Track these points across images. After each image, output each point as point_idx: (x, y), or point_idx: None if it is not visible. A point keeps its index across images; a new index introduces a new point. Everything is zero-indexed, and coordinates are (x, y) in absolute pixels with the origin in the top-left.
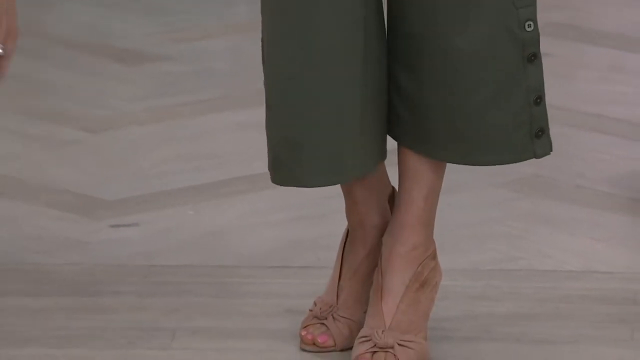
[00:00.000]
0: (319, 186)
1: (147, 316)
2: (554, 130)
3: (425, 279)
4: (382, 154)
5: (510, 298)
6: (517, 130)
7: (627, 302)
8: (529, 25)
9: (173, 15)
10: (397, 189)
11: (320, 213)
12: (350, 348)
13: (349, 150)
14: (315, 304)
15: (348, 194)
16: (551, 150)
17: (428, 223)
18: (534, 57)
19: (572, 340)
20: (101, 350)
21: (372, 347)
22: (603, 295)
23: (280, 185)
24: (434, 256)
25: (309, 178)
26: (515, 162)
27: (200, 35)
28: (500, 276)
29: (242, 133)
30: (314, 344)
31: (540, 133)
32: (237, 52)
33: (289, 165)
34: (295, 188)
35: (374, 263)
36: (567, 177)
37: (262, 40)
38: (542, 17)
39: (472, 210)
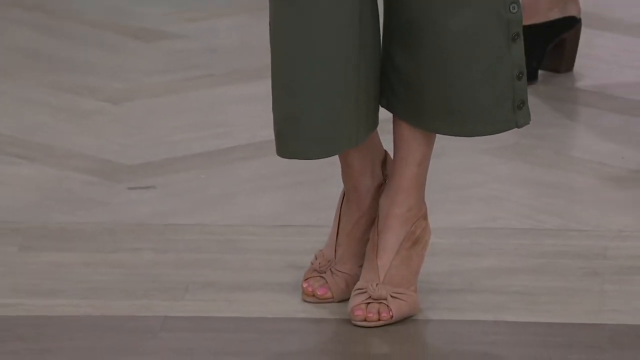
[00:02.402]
0: (316, 158)
1: (162, 270)
2: (537, 103)
3: (417, 238)
4: (374, 124)
5: (492, 254)
6: (503, 103)
7: (597, 257)
8: (514, 8)
9: None
10: (389, 154)
11: (320, 177)
12: (347, 299)
13: (343, 125)
14: (316, 257)
15: (344, 161)
16: (530, 120)
17: (420, 187)
18: (517, 37)
19: (549, 291)
20: (121, 301)
21: (367, 299)
22: (576, 251)
23: (284, 158)
24: (425, 216)
25: (308, 151)
26: (500, 132)
27: (211, 15)
28: (483, 234)
29: (248, 104)
30: (313, 295)
31: (521, 105)
32: (245, 30)
33: (290, 139)
34: None
35: (368, 222)
36: (545, 144)
37: (270, 24)
38: None
39: (457, 174)
